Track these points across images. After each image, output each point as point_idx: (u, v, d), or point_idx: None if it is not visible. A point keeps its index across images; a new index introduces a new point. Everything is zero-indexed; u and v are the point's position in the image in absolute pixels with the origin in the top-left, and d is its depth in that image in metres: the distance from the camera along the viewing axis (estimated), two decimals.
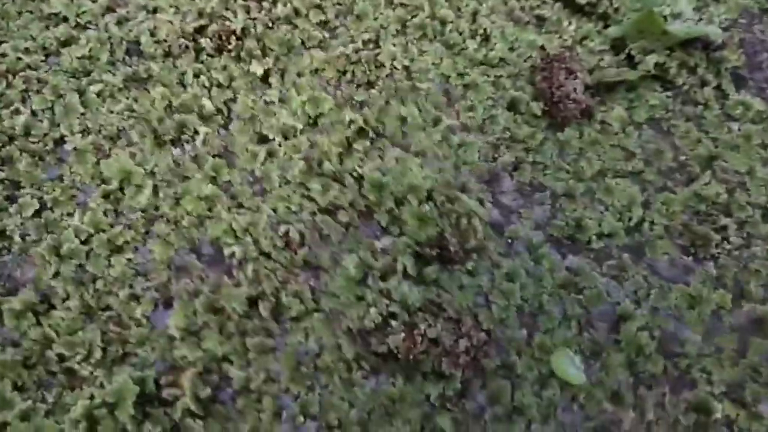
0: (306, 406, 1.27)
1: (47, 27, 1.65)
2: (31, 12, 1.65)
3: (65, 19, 1.69)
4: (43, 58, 1.62)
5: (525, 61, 1.66)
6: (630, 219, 1.48)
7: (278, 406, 1.27)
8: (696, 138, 1.58)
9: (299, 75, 1.61)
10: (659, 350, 1.34)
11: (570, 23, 1.73)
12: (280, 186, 1.47)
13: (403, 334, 1.26)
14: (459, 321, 1.30)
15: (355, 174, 1.47)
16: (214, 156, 1.51)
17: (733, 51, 1.71)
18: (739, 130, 1.59)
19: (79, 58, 1.63)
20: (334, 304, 1.34)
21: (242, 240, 1.40)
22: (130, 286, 1.35)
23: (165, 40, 1.64)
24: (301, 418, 1.26)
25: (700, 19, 1.74)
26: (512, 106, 1.60)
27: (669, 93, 1.63)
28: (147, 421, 1.21)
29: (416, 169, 1.46)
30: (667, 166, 1.56)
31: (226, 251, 1.38)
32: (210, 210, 1.44)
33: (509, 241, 1.44)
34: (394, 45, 1.65)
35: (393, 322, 1.28)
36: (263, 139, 1.53)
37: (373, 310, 1.29)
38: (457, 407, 1.27)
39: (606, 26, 1.73)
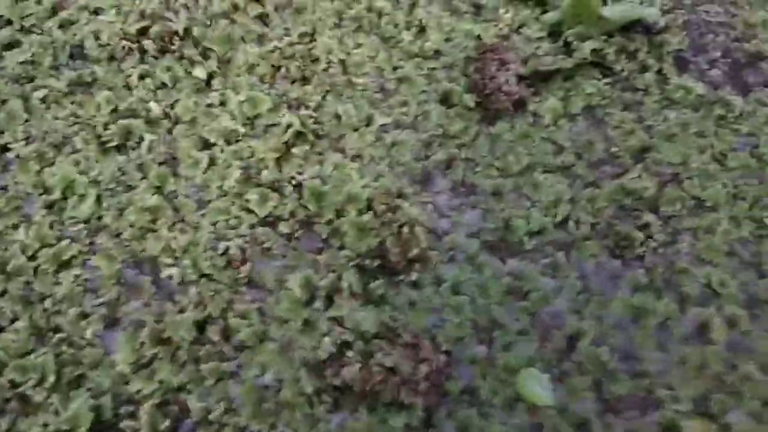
0: None
1: None
2: None
3: (9, 22, 1.47)
4: None
5: (460, 52, 1.44)
6: (556, 215, 1.29)
7: None
8: (630, 128, 1.38)
9: (237, 74, 1.40)
10: (620, 368, 1.16)
11: (507, 11, 1.50)
12: (219, 197, 1.28)
13: (358, 365, 1.08)
14: (416, 345, 1.11)
15: (294, 182, 1.27)
16: (159, 164, 1.32)
17: (676, 34, 1.47)
18: (676, 117, 1.40)
19: (21, 63, 1.42)
20: (284, 331, 1.16)
21: (181, 261, 1.21)
22: (80, 305, 1.19)
23: (108, 44, 1.42)
24: None
25: (642, 2, 1.56)
26: (445, 100, 1.39)
27: (607, 80, 1.44)
28: None
29: (355, 176, 1.27)
30: (598, 158, 1.36)
31: (165, 273, 1.21)
32: (154, 222, 1.26)
33: (448, 248, 1.25)
34: (329, 38, 1.42)
35: (348, 352, 1.11)
36: (206, 144, 1.34)
37: (326, 339, 1.13)
38: None
39: (544, 12, 1.51)
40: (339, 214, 1.23)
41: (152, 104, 1.37)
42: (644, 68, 1.47)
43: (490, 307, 1.20)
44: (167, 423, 1.09)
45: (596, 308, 1.21)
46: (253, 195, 1.25)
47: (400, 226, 1.20)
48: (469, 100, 1.38)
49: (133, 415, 1.10)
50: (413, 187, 1.31)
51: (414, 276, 1.20)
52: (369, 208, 1.23)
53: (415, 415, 1.09)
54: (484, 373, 1.15)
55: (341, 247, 1.22)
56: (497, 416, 1.12)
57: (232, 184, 1.27)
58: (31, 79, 1.42)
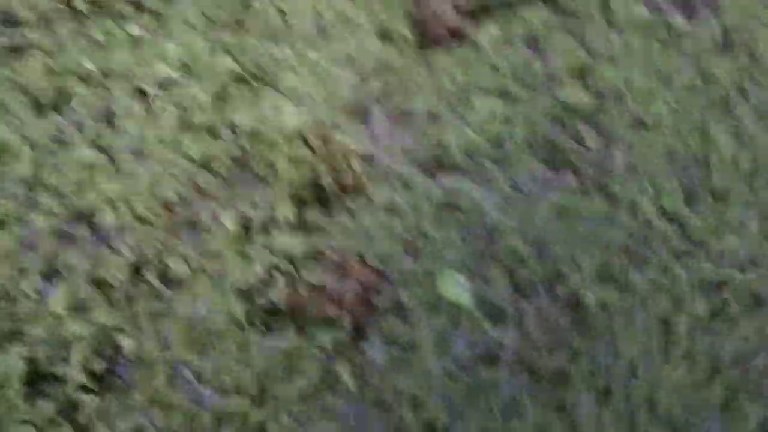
0: (201, 371, 1.08)
1: None
2: None
3: None
4: None
5: None
6: (491, 133, 1.28)
7: (173, 373, 1.09)
8: (571, 50, 1.37)
9: (172, 26, 1.38)
10: (535, 257, 1.18)
11: None
12: (155, 144, 1.26)
13: (285, 286, 1.10)
14: (343, 264, 1.12)
15: (229, 124, 1.26)
16: (95, 119, 1.30)
17: None
18: (619, 40, 1.37)
19: None
20: (218, 265, 1.15)
21: (120, 208, 1.20)
22: (18, 261, 1.17)
23: (39, 7, 1.39)
24: (197, 385, 1.08)
25: None
26: (383, 34, 1.39)
27: (549, 9, 1.42)
28: (40, 399, 1.05)
29: (291, 113, 1.26)
30: (537, 80, 1.34)
31: (102, 221, 1.19)
32: (92, 176, 1.24)
33: (382, 173, 1.24)
34: None
35: (277, 275, 1.11)
36: (142, 94, 1.32)
37: (257, 266, 1.13)
38: (354, 353, 1.10)
39: None
40: (273, 150, 1.21)
41: (86, 62, 1.36)
42: None
43: (421, 223, 1.19)
44: (102, 364, 1.08)
45: (522, 209, 1.21)
46: (188, 139, 1.24)
47: (334, 157, 1.19)
48: (407, 32, 1.37)
49: (66, 360, 1.08)
50: (349, 119, 1.29)
51: (349, 204, 1.19)
52: (303, 142, 1.21)
53: (342, 330, 1.09)
54: (410, 283, 1.15)
55: (277, 182, 1.20)
56: (422, 322, 1.12)
57: (168, 130, 1.25)
58: None
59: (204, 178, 1.22)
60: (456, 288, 1.13)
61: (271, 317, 1.11)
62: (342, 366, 1.09)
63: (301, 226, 1.17)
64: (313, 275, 1.10)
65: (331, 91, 1.32)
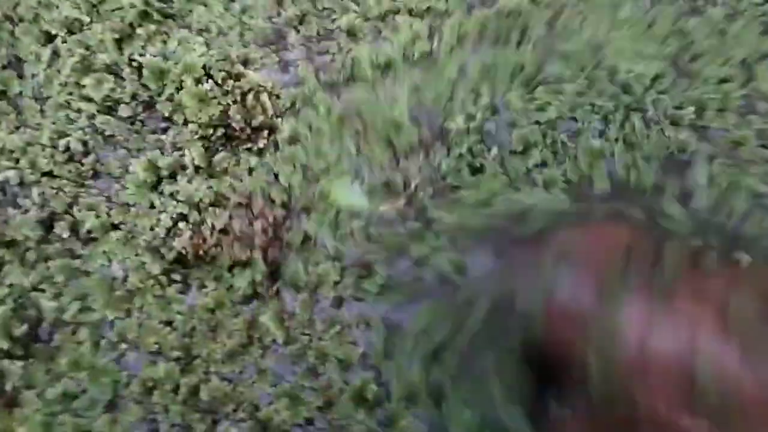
0: (124, 332, 1.05)
1: None
2: None
3: None
4: None
5: None
6: (413, 50, 1.20)
7: (97, 335, 1.06)
8: None
9: None
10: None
11: None
12: (58, 91, 1.19)
13: (189, 233, 1.04)
14: (248, 204, 1.07)
15: (134, 63, 1.17)
16: (2, 67, 1.23)
17: None
18: None
19: None
20: (128, 217, 1.10)
21: (20, 163, 1.14)
22: None
23: None
24: (122, 346, 1.05)
25: None
26: None
27: None
28: None
29: (199, 49, 1.16)
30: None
31: (2, 176, 1.13)
32: None
33: (290, 102, 1.17)
34: None
35: (181, 225, 1.06)
36: (49, 38, 1.24)
37: (163, 216, 1.08)
38: (272, 292, 1.06)
39: None
40: (180, 88, 1.14)
41: None
42: None
43: (321, 143, 1.13)
44: (24, 328, 1.04)
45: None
46: (89, 81, 1.16)
47: (244, 94, 1.11)
48: None
49: None
50: (262, 51, 1.20)
51: (260, 143, 1.12)
52: (208, 76, 1.13)
53: (258, 269, 1.05)
54: (308, 208, 1.11)
55: (185, 123, 1.13)
56: (328, 241, 1.08)
57: (69, 74, 1.18)
58: None
59: (108, 123, 1.15)
60: (350, 195, 1.11)
61: (185, 270, 1.07)
62: (266, 316, 1.05)
63: (209, 169, 1.11)
64: (220, 220, 1.05)
65: (245, 23, 1.23)
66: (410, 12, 1.23)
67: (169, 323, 1.06)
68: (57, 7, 1.25)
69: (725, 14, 1.20)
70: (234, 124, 1.10)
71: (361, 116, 1.15)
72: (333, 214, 1.09)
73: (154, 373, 1.02)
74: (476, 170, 1.10)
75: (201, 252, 1.04)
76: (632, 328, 0.78)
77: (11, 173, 1.13)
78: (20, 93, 1.21)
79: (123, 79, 1.17)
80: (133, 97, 1.16)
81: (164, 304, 1.06)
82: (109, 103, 1.16)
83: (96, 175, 1.15)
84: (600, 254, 0.87)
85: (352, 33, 1.22)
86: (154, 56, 1.17)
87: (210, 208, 1.07)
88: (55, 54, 1.22)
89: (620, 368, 0.78)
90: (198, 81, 1.13)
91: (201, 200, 1.07)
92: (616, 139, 1.10)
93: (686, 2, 1.22)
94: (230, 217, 1.05)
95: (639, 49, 1.17)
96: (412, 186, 1.10)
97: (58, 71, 1.20)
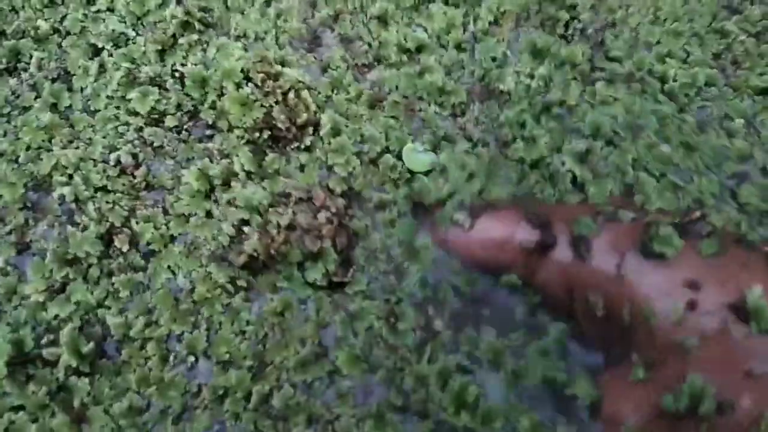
0: (193, 345, 1.07)
1: None
2: None
3: None
4: None
5: None
6: (448, 37, 1.21)
7: (164, 349, 1.07)
8: None
9: None
10: None
11: None
12: (106, 105, 1.21)
13: (257, 235, 1.05)
14: (310, 198, 1.08)
15: (177, 74, 1.20)
16: (52, 80, 1.26)
17: None
18: None
19: None
20: (187, 228, 1.12)
21: (73, 179, 1.16)
22: None
23: None
24: (192, 359, 1.06)
25: None
26: None
27: None
28: (31, 383, 1.05)
29: (237, 54, 1.18)
30: None
31: (57, 192, 1.16)
32: (50, 141, 1.21)
33: (328, 94, 1.19)
34: None
35: (246, 229, 1.07)
36: (96, 51, 1.27)
37: (224, 224, 1.09)
38: (345, 278, 1.07)
39: None
40: (222, 95, 1.15)
41: (40, 22, 1.30)
42: None
43: (362, 126, 1.17)
44: (91, 345, 1.07)
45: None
46: (135, 94, 1.17)
47: (285, 93, 1.11)
48: None
49: (54, 342, 1.08)
50: (299, 51, 1.21)
51: (307, 141, 1.13)
52: (247, 79, 1.14)
53: (330, 259, 1.06)
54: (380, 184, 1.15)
55: (230, 129, 1.14)
56: (402, 219, 1.12)
57: (116, 88, 1.19)
58: None
59: (156, 135, 1.17)
60: (420, 156, 1.14)
61: (254, 274, 1.09)
62: (337, 310, 1.06)
63: (260, 172, 1.12)
64: (285, 218, 1.05)
65: (280, 26, 1.23)
66: (446, 1, 1.22)
67: (241, 332, 1.07)
68: (104, 20, 1.28)
69: (763, 13, 1.19)
70: (279, 125, 1.11)
71: (392, 91, 1.18)
72: (404, 190, 1.13)
73: (225, 381, 1.04)
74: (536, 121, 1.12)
75: (272, 251, 1.04)
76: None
77: (66, 190, 1.15)
78: (70, 106, 1.24)
79: (167, 90, 1.18)
80: (178, 107, 1.18)
81: (233, 313, 1.07)
82: (155, 115, 1.18)
83: (149, 187, 1.17)
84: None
85: (383, 20, 1.22)
86: (195, 65, 1.18)
87: (271, 209, 1.07)
88: (102, 67, 1.24)
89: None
90: (238, 85, 1.13)
91: (260, 203, 1.08)
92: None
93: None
94: (294, 213, 1.06)
95: (685, 53, 1.18)
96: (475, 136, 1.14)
97: (105, 85, 1.22)
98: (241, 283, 1.08)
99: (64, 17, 1.30)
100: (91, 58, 1.26)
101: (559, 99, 1.11)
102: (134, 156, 1.17)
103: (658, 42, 1.20)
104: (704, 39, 1.18)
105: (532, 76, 1.15)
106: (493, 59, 1.18)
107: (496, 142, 1.13)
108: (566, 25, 1.20)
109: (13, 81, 1.27)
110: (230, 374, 1.04)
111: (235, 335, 1.06)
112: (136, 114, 1.18)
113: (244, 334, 1.06)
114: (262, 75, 1.12)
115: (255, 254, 1.05)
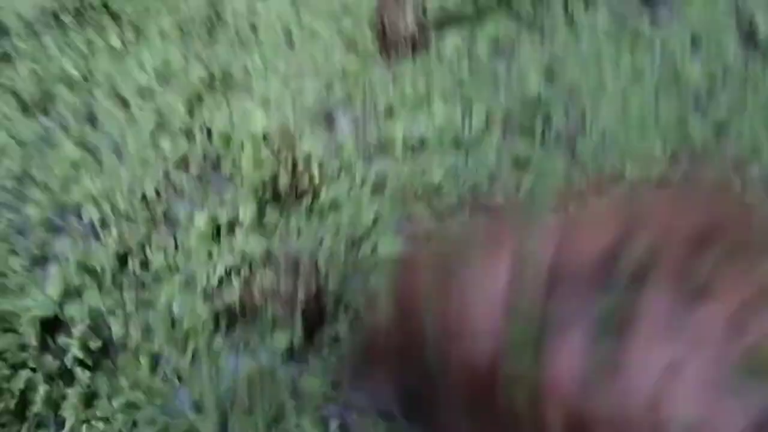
0: (179, 370, 1.20)
1: None
2: None
3: None
4: None
5: (368, 6, 1.53)
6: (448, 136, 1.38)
7: (155, 363, 1.21)
8: (538, 56, 1.42)
9: (152, 39, 1.52)
10: None
11: None
12: (135, 147, 1.41)
13: (240, 288, 1.20)
14: (296, 266, 1.21)
15: (204, 128, 1.41)
16: (80, 122, 1.46)
17: None
18: (587, 45, 1.44)
19: None
20: (190, 264, 1.29)
21: (102, 204, 1.35)
22: (9, 243, 1.35)
23: (29, 20, 1.58)
24: (176, 381, 1.19)
25: None
26: (349, 45, 1.49)
27: (514, 22, 1.49)
28: (47, 354, 1.20)
29: (260, 118, 1.39)
30: (500, 82, 1.42)
31: (88, 216, 1.35)
32: (77, 173, 1.40)
33: (336, 173, 1.36)
34: (238, 4, 1.56)
35: (235, 278, 1.23)
36: (123, 102, 1.47)
37: (219, 267, 1.25)
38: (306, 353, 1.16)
39: None
40: (241, 152, 1.36)
41: (72, 71, 1.50)
42: (549, 8, 1.50)
43: (360, 217, 1.32)
44: (99, 343, 1.24)
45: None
46: (165, 141, 1.39)
47: (295, 162, 1.32)
48: (372, 44, 1.46)
49: (69, 334, 1.25)
50: (314, 124, 1.42)
51: (304, 204, 1.33)
52: (268, 145, 1.35)
53: (296, 332, 1.19)
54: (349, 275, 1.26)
55: (242, 183, 1.35)
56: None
57: (146, 133, 1.41)
58: None
59: (180, 178, 1.38)
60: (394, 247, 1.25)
61: (231, 319, 1.24)
62: (309, 381, 1.15)
63: (261, 226, 1.32)
64: (268, 279, 1.22)
65: (298, 98, 1.44)
66: (444, 98, 1.43)
67: (214, 378, 1.20)
68: (130, 74, 1.49)
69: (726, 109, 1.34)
70: (281, 188, 1.31)
71: (395, 183, 1.34)
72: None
73: (197, 422, 1.16)
74: None
75: (248, 307, 1.20)
76: None
77: (94, 213, 1.36)
78: (96, 144, 1.45)
79: (195, 141, 1.40)
80: (204, 157, 1.39)
81: (213, 354, 1.23)
82: (181, 161, 1.39)
83: (167, 221, 1.37)
84: None
85: (389, 112, 1.42)
86: (222, 123, 1.39)
87: (261, 265, 1.26)
88: (130, 115, 1.45)
89: None
90: (257, 148, 1.35)
91: (252, 258, 1.26)
92: None
93: (688, 98, 1.37)
94: (277, 277, 1.21)
95: (646, 149, 1.33)
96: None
97: (137, 131, 1.43)
98: (221, 323, 1.24)
99: (94, 67, 1.51)
100: (120, 108, 1.46)
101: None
102: (158, 193, 1.38)
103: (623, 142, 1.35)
104: (667, 136, 1.33)
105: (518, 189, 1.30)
106: (485, 170, 1.34)
107: None
108: (543, 133, 1.37)
109: (44, 119, 1.49)
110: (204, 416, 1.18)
111: (210, 379, 1.21)
112: (163, 157, 1.39)
113: (219, 382, 1.20)
114: (279, 141, 1.34)
115: (233, 305, 1.22)
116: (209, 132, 1.39)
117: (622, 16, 1.47)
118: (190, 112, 1.42)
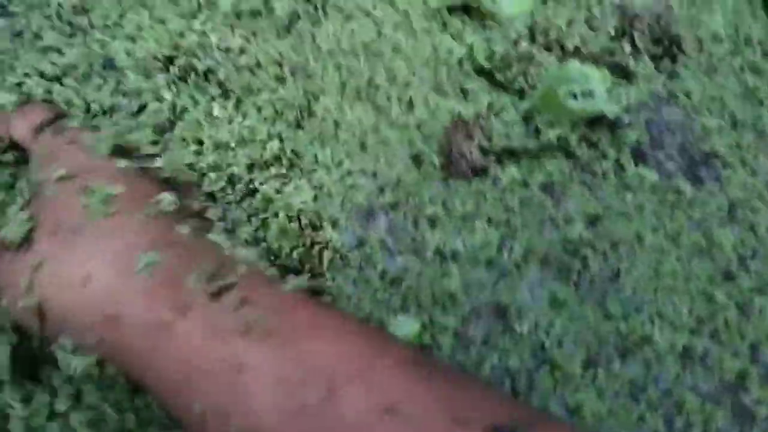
0: None
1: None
2: (34, 47, 1.78)
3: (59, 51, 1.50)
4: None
5: (439, 125, 1.62)
6: (483, 255, 1.42)
7: None
8: (586, 200, 1.52)
9: (246, 110, 1.71)
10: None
11: (489, 96, 1.80)
12: None
13: None
14: None
15: (252, 186, 1.48)
16: None
17: (637, 130, 1.70)
18: (632, 199, 1.45)
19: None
20: None
21: None
22: None
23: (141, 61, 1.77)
24: None
25: (609, 99, 1.78)
26: (414, 159, 1.58)
27: (569, 163, 1.59)
28: None
29: (304, 196, 1.48)
30: (547, 217, 1.48)
31: None
32: None
33: (352, 268, 1.40)
34: (330, 101, 1.78)
35: None
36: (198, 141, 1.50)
37: None
38: None
39: (521, 100, 1.67)
40: (275, 217, 1.44)
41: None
42: (604, 156, 1.66)
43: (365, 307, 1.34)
44: None
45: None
46: None
47: (313, 243, 1.39)
48: (435, 162, 1.60)
49: None
50: (351, 220, 1.51)
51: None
52: (298, 219, 1.43)
53: None
54: None
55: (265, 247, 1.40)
56: None
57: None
58: None
59: None
60: (407, 328, 1.27)
61: None
62: None
63: None
64: None
65: (349, 193, 1.55)
66: (489, 220, 1.53)
67: None
68: (219, 129, 1.61)
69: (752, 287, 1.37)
70: (292, 260, 1.35)
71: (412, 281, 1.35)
72: None
73: None
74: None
75: None
76: None
77: None
78: None
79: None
80: None
81: None
82: None
83: None
84: None
85: (431, 223, 1.52)
86: (270, 189, 1.49)
87: None
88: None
89: None
90: (289, 219, 1.43)
91: None
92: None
93: (720, 263, 1.40)
94: None
95: (676, 315, 1.34)
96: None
97: None
98: None
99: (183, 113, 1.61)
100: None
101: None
102: None
103: (652, 300, 1.35)
104: (695, 301, 1.33)
105: (547, 333, 1.31)
106: (510, 295, 1.35)
107: None
108: (579, 273, 1.45)
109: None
110: None
111: None
112: None
113: None
114: (307, 221, 1.42)
115: None
116: (255, 191, 1.50)
117: (668, 174, 1.60)
118: (250, 171, 1.54)
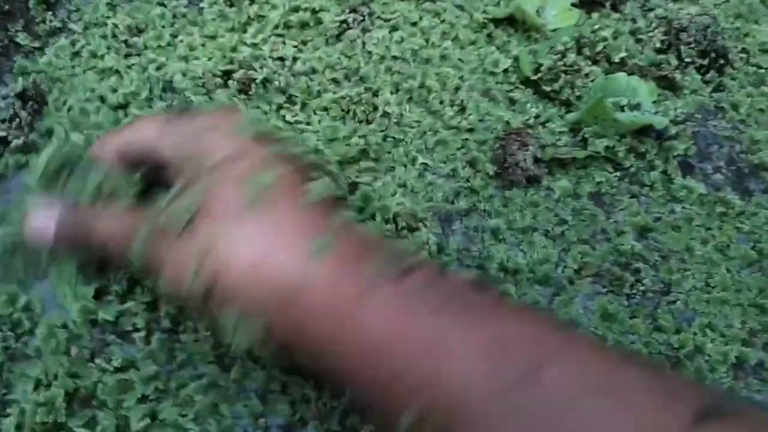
0: None
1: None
2: (93, 68, 1.55)
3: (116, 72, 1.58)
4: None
5: (491, 132, 1.69)
6: (541, 271, 1.45)
7: None
8: (635, 211, 1.56)
9: (315, 113, 1.74)
10: None
11: (537, 106, 1.76)
12: None
13: None
14: None
15: (349, 180, 1.53)
16: None
17: (685, 141, 1.69)
18: (681, 211, 1.57)
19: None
20: None
21: None
22: None
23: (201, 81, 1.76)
24: None
25: (657, 112, 1.81)
26: (472, 164, 1.63)
27: (617, 173, 1.64)
28: None
29: (397, 194, 1.52)
30: (598, 229, 1.52)
31: None
32: None
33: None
34: (387, 100, 1.81)
35: None
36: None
37: None
38: None
39: (568, 111, 1.75)
40: (372, 218, 1.47)
41: None
42: (651, 167, 1.70)
43: None
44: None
45: None
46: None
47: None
48: (491, 169, 1.65)
49: None
50: (435, 221, 1.55)
51: None
52: (394, 221, 1.46)
53: None
54: None
55: None
56: None
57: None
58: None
59: None
60: None
61: None
62: None
63: None
64: None
65: (429, 193, 1.58)
66: (546, 233, 1.57)
67: None
68: (302, 134, 1.65)
69: None
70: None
71: None
72: None
73: None
74: None
75: None
76: None
77: None
78: None
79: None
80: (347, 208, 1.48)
81: None
82: None
83: None
84: None
85: (495, 235, 1.56)
86: (366, 185, 1.51)
87: None
88: None
89: None
90: (386, 221, 1.46)
91: None
92: None
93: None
94: None
95: (727, 327, 1.38)
96: None
97: None
98: None
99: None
100: None
101: None
102: None
103: (704, 312, 1.39)
104: (747, 312, 1.37)
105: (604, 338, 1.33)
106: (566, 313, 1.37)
107: None
108: (632, 286, 1.49)
109: None
110: None
111: None
112: None
113: None
114: (404, 223, 1.45)
115: None
116: (355, 187, 1.51)
117: (716, 186, 1.65)
118: (342, 167, 1.58)
